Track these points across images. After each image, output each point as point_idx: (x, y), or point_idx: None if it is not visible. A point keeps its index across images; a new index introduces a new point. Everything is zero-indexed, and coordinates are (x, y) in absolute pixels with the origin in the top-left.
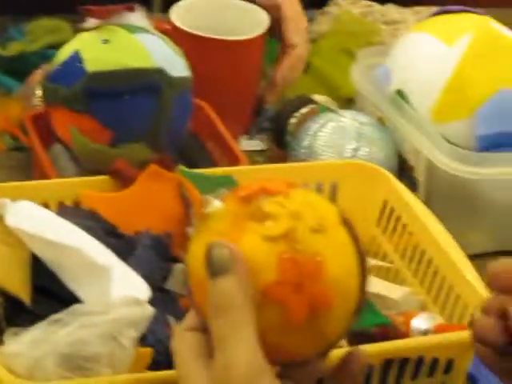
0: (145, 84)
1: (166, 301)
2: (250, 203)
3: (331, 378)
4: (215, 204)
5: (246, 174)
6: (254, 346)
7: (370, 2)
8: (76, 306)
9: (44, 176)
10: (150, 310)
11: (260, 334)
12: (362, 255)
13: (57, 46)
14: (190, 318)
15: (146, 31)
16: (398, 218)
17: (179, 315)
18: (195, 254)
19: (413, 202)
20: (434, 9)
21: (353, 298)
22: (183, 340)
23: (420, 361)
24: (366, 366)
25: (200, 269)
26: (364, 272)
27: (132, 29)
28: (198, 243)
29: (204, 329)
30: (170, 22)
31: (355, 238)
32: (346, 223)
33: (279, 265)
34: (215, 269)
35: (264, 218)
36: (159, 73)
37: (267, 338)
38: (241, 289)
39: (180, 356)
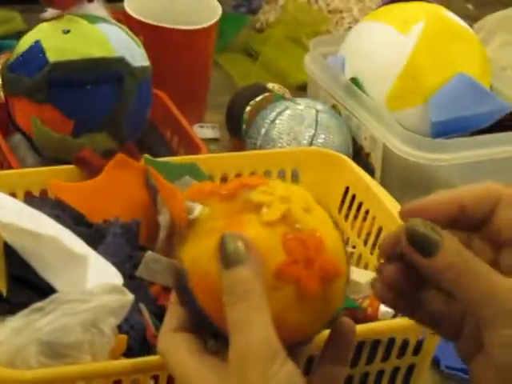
0: (106, 74)
1: (136, 288)
2: (235, 199)
3: (324, 352)
4: (198, 208)
5: (208, 162)
6: (270, 328)
7: None
8: (57, 295)
9: (6, 165)
10: (130, 298)
11: (274, 317)
12: (340, 229)
13: (8, 37)
14: (174, 319)
15: (106, 21)
16: (361, 204)
17: (150, 302)
18: (197, 254)
19: (375, 187)
20: None
21: (345, 269)
22: (173, 340)
23: (391, 342)
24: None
25: (206, 264)
26: (345, 245)
27: (92, 19)
28: (196, 245)
29: (189, 328)
30: (124, 12)
31: (330, 215)
32: (320, 203)
33: (285, 246)
34: (230, 260)
35: (257, 207)
36: (120, 62)
37: (281, 320)
38: (256, 276)
39: (173, 356)
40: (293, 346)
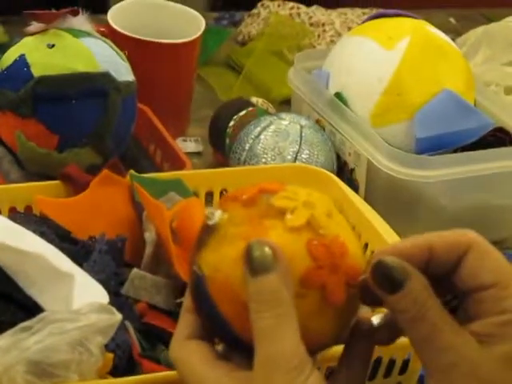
0: (91, 88)
1: (122, 306)
2: (255, 204)
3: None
4: (218, 214)
5: (193, 177)
6: (298, 337)
7: (297, 4)
8: (44, 314)
9: None
10: (118, 317)
11: (300, 324)
12: (356, 233)
13: None
14: (186, 327)
15: (91, 35)
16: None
17: (135, 320)
18: (219, 260)
19: (359, 204)
20: (359, 10)
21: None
22: (188, 349)
23: (377, 362)
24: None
25: (229, 271)
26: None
27: (77, 33)
28: (217, 251)
29: (202, 335)
30: (108, 26)
31: (347, 219)
32: (337, 207)
33: (311, 252)
34: (257, 267)
35: (279, 213)
36: (105, 77)
37: (304, 326)
38: (284, 283)
39: (188, 365)
40: (313, 353)
